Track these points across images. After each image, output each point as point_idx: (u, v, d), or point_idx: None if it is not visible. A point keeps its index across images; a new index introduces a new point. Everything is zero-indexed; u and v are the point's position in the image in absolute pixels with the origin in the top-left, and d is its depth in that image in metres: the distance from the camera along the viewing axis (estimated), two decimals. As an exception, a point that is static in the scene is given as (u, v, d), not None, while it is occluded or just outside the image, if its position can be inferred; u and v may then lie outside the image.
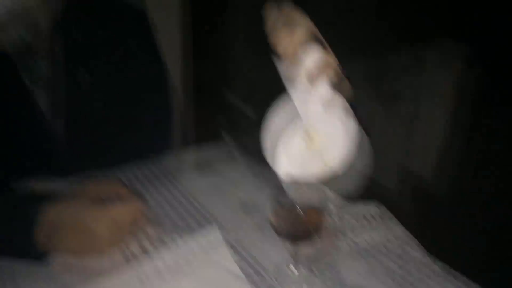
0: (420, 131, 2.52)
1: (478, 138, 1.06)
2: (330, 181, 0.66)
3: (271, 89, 0.63)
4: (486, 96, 1.07)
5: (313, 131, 0.63)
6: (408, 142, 2.56)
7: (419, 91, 2.43)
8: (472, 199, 1.05)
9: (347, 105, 0.63)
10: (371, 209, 0.89)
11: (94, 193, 0.76)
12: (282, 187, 0.71)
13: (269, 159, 0.61)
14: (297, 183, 0.72)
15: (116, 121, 1.00)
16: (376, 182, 0.93)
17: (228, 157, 1.09)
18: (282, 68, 0.63)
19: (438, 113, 2.38)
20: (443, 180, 1.37)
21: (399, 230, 0.87)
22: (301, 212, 0.69)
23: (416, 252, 0.80)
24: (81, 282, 0.69)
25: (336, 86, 0.62)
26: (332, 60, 0.61)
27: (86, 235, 0.73)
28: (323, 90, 0.61)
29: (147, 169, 1.02)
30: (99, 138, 1.00)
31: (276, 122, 0.60)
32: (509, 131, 1.01)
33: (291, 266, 0.75)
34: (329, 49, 0.62)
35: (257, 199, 0.94)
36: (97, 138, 1.00)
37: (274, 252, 0.78)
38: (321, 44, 0.61)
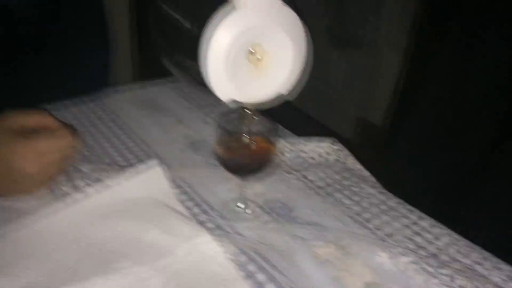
0: (376, 80, 2.50)
1: (431, 83, 1.02)
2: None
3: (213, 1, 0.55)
4: (441, 42, 1.02)
5: (260, 49, 0.55)
6: (364, 92, 2.53)
7: (377, 38, 2.39)
8: (425, 140, 1.02)
9: (299, 20, 0.56)
10: (327, 145, 0.84)
11: (18, 124, 0.67)
12: (228, 114, 0.65)
13: (210, 83, 0.54)
14: (245, 113, 0.66)
15: (48, 50, 0.90)
16: (332, 132, 0.89)
17: (173, 93, 1.01)
18: None
19: (394, 61, 2.36)
20: (397, 126, 1.34)
21: (355, 166, 0.83)
22: (249, 141, 0.63)
23: (371, 189, 0.76)
24: (5, 224, 0.61)
25: None
26: None
27: (9, 172, 0.64)
28: None
29: (84, 105, 0.93)
30: (30, 70, 0.90)
31: (217, 40, 0.52)
32: (459, 75, 0.98)
33: (240, 204, 0.69)
34: None
35: (204, 135, 0.87)
36: (28, 70, 0.90)
37: (222, 189, 0.73)
38: None
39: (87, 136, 0.84)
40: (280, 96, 0.58)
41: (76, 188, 0.69)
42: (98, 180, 0.70)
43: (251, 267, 0.58)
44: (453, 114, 0.99)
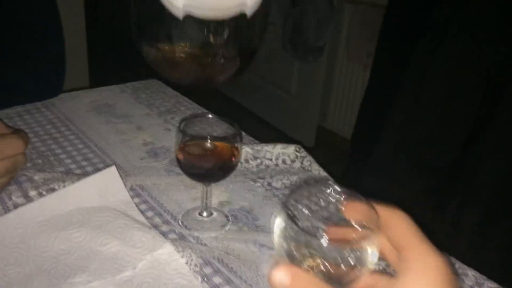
0: (337, 89, 2.52)
1: (393, 92, 1.02)
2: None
3: None
4: (403, 51, 1.02)
5: None
6: (324, 101, 2.55)
7: (336, 45, 2.41)
8: (387, 149, 1.02)
9: None
10: (291, 152, 0.82)
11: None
12: (190, 119, 0.62)
13: None
14: (207, 117, 0.63)
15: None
16: (295, 141, 0.87)
17: (132, 99, 0.97)
18: None
19: (355, 72, 2.39)
20: (358, 135, 1.34)
21: (319, 173, 0.82)
22: (211, 145, 0.60)
23: (336, 195, 0.75)
24: None
25: None
26: None
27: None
28: None
29: (37, 112, 0.89)
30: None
31: None
32: (421, 84, 0.98)
33: (204, 212, 0.67)
34: None
35: (164, 141, 0.84)
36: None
37: (185, 198, 0.70)
38: None
39: (40, 143, 0.79)
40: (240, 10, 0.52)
41: (28, 198, 0.65)
42: (51, 189, 0.66)
43: (217, 279, 0.55)
44: (416, 122, 0.99)
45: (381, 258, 0.46)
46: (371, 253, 0.44)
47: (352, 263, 0.45)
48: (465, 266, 0.62)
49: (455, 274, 0.46)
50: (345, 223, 0.51)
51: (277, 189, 0.75)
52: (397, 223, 0.44)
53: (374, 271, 0.50)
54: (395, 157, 1.00)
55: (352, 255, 0.45)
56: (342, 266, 0.46)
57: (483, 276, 0.61)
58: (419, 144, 0.96)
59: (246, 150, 0.81)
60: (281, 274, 0.40)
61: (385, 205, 0.48)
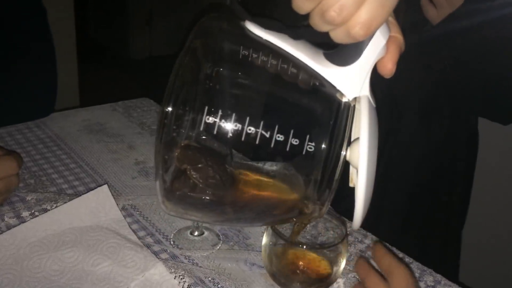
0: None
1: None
2: None
3: None
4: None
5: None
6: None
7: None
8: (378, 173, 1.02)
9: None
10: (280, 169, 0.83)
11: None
12: None
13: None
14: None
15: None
16: None
17: (123, 118, 0.98)
18: None
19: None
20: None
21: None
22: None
23: (326, 214, 0.76)
24: None
25: None
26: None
27: None
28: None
29: (28, 131, 0.89)
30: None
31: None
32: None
33: (194, 231, 0.68)
34: None
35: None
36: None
37: (176, 217, 0.71)
38: None
39: (32, 163, 0.80)
40: None
41: (21, 219, 0.65)
42: (44, 210, 0.67)
43: (208, 298, 0.56)
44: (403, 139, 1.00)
45: None
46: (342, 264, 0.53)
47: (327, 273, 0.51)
48: (450, 283, 0.64)
49: None
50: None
51: (267, 207, 0.76)
52: (398, 280, 0.52)
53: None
54: None
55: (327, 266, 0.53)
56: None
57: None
58: None
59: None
60: None
61: (391, 259, 0.52)
